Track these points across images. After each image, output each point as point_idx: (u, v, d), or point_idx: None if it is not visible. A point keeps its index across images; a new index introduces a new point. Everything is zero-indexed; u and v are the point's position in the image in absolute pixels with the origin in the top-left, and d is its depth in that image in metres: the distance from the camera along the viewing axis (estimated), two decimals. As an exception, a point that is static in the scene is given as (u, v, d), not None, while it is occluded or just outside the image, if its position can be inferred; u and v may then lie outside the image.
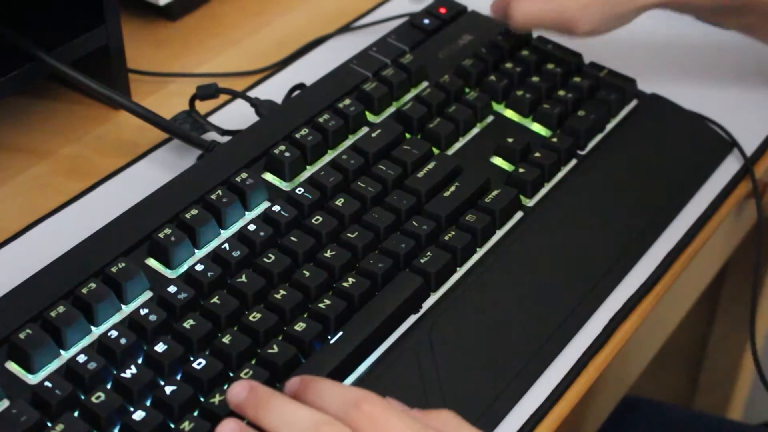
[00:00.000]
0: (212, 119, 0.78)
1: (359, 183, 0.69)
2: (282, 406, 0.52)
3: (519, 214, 0.70)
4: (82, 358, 0.58)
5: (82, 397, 0.57)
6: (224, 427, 0.52)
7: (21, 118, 0.79)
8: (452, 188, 0.70)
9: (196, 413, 0.57)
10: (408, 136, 0.74)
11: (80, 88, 0.78)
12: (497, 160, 0.74)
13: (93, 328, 0.60)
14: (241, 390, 0.53)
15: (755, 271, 0.77)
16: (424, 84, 0.78)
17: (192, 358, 0.59)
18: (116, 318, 0.61)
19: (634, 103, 0.80)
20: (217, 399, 0.57)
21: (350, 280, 0.63)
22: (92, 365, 0.57)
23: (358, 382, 0.60)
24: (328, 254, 0.64)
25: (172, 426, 0.56)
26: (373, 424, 0.51)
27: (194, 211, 0.65)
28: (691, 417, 1.02)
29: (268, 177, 0.70)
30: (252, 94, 0.79)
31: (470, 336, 0.63)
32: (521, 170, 0.72)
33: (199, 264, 0.63)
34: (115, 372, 0.58)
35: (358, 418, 0.51)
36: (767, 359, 1.34)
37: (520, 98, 0.77)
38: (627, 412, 0.97)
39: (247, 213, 0.68)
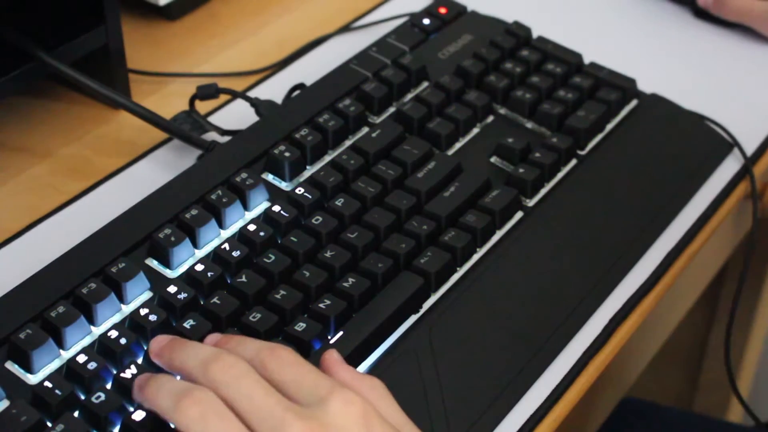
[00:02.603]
0: (212, 119, 0.78)
1: (359, 183, 0.69)
2: (196, 346, 0.54)
3: (519, 214, 0.70)
4: (82, 358, 0.58)
5: (82, 397, 0.57)
6: (137, 381, 0.54)
7: (21, 118, 0.79)
8: (452, 188, 0.70)
9: (196, 413, 0.57)
10: (408, 136, 0.74)
11: (80, 88, 0.78)
12: (497, 160, 0.74)
13: (93, 328, 0.60)
14: (163, 339, 0.55)
15: (743, 272, 0.77)
16: (424, 84, 0.78)
17: (192, 358, 0.59)
18: (116, 318, 0.61)
19: (634, 103, 0.80)
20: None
21: (350, 280, 0.63)
22: (92, 365, 0.57)
23: (358, 382, 0.60)
24: (328, 254, 0.64)
25: (172, 426, 0.56)
26: (280, 362, 0.52)
27: (194, 211, 0.65)
28: (688, 418, 1.02)
29: (268, 177, 0.70)
30: (252, 94, 0.79)
31: (470, 336, 0.63)
32: (521, 170, 0.72)
33: (199, 264, 0.63)
34: (115, 372, 0.58)
35: (267, 358, 0.53)
36: (767, 359, 1.34)
37: (520, 98, 0.77)
38: (624, 414, 0.97)
39: (247, 213, 0.68)
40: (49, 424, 0.55)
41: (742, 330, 1.24)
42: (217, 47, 0.87)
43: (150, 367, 0.58)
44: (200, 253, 0.65)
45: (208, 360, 0.52)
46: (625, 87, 0.79)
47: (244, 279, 0.62)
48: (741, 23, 0.89)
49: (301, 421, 0.49)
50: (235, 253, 0.64)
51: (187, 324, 0.60)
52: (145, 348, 0.59)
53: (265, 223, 0.66)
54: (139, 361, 0.59)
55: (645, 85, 0.81)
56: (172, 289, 0.62)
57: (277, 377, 0.52)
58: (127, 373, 0.57)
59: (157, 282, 0.63)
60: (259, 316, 0.60)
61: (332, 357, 0.55)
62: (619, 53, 0.86)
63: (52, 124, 0.79)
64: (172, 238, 0.64)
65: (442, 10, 0.84)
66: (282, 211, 0.66)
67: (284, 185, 0.70)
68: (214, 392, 0.51)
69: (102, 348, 0.59)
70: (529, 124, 0.77)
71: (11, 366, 0.58)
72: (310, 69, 0.82)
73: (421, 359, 0.61)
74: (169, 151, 0.76)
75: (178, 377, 0.54)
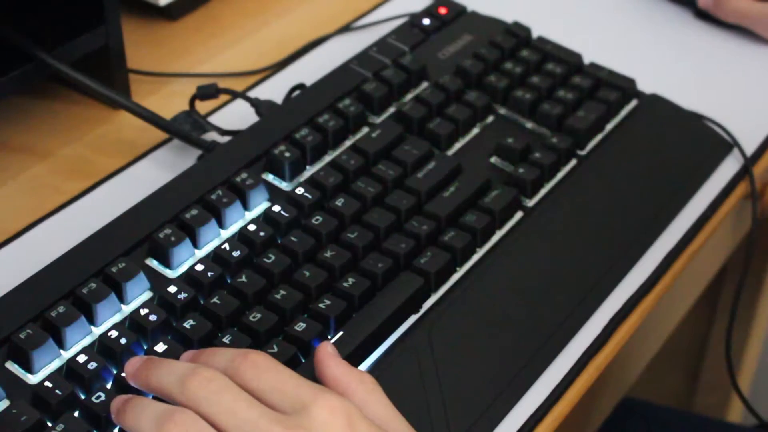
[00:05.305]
0: (212, 119, 0.78)
1: (359, 183, 0.69)
2: (171, 364, 0.53)
3: (519, 214, 0.70)
4: (82, 358, 0.58)
5: (82, 397, 0.57)
6: (114, 404, 0.53)
7: (21, 118, 0.79)
8: (452, 188, 0.70)
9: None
10: (408, 136, 0.74)
11: (80, 88, 0.78)
12: (497, 160, 0.74)
13: (93, 328, 0.60)
14: (137, 361, 0.54)
15: (743, 272, 0.77)
16: (424, 84, 0.78)
17: (192, 358, 0.59)
18: (116, 318, 0.61)
19: (634, 103, 0.80)
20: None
21: (350, 280, 0.63)
22: (92, 365, 0.57)
23: (358, 382, 0.60)
24: (328, 254, 0.64)
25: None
26: (256, 369, 0.52)
27: (194, 211, 0.65)
28: (688, 418, 1.02)
29: (268, 177, 0.70)
30: (252, 94, 0.79)
31: (470, 336, 0.63)
32: (521, 170, 0.72)
33: (199, 264, 0.63)
34: (115, 372, 0.58)
35: (242, 365, 0.52)
36: (767, 359, 1.34)
37: (520, 98, 0.77)
38: (624, 414, 0.97)
39: (247, 213, 0.68)
40: (49, 424, 0.55)
41: (742, 330, 1.24)
42: (217, 47, 0.87)
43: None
44: (200, 253, 0.65)
45: (184, 376, 0.51)
46: (625, 87, 0.79)
47: (244, 279, 0.62)
48: (740, 25, 0.89)
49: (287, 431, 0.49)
50: (235, 253, 0.64)
51: (187, 324, 0.60)
52: (145, 348, 0.59)
53: (265, 223, 0.66)
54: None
55: (645, 85, 0.81)
56: (172, 289, 0.62)
57: (256, 385, 0.51)
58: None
59: (157, 282, 0.63)
60: (259, 316, 0.60)
61: (326, 350, 0.55)
62: (619, 53, 0.86)
63: (52, 124, 0.79)
64: (172, 238, 0.64)
65: (442, 11, 0.84)
66: (282, 211, 0.66)
67: (284, 185, 0.70)
68: (195, 409, 0.50)
69: (102, 348, 0.59)
70: (529, 124, 0.77)
71: (11, 366, 0.58)
72: (310, 69, 0.82)
73: (421, 359, 0.61)
74: (169, 151, 0.76)
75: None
